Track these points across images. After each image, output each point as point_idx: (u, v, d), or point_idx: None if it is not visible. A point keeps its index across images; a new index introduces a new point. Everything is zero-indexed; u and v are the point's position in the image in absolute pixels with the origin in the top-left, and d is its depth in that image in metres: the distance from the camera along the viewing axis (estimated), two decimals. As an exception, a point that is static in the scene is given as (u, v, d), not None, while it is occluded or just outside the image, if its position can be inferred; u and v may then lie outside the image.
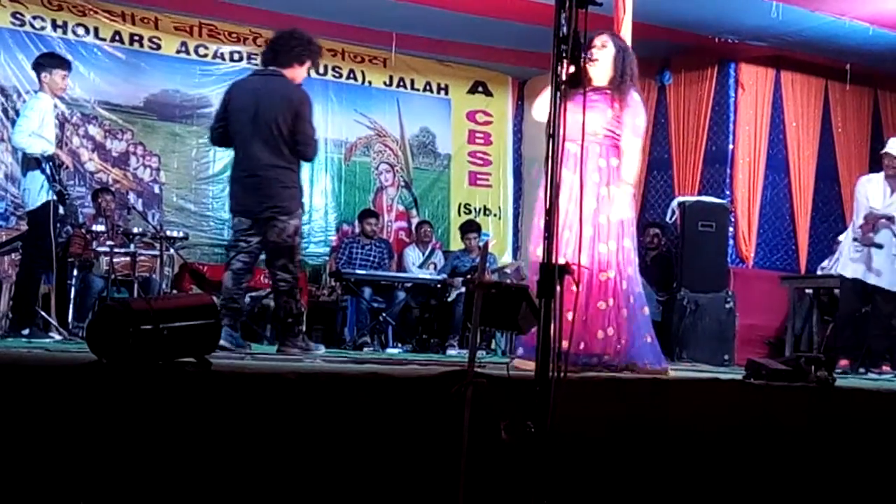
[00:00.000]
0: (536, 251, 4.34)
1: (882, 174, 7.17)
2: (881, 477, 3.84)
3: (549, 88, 4.72)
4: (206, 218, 9.50)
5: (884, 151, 7.23)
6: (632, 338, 4.50)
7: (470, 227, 9.38)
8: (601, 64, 4.63)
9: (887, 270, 6.97)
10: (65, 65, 6.55)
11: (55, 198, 6.24)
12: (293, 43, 5.43)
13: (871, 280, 7.00)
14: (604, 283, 4.46)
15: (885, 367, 6.93)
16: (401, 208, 10.53)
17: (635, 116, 4.63)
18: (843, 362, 6.75)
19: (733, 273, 8.63)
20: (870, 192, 7.15)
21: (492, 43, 9.53)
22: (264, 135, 5.27)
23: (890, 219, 6.97)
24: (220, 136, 5.55)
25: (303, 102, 5.32)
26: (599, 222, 4.47)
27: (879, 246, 6.96)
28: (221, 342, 5.43)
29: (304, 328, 5.55)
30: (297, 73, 5.43)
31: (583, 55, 2.74)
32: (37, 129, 6.27)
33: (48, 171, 6.18)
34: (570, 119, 4.64)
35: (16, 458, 2.57)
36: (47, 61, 6.59)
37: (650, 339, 4.60)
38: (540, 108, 4.80)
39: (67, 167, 6.73)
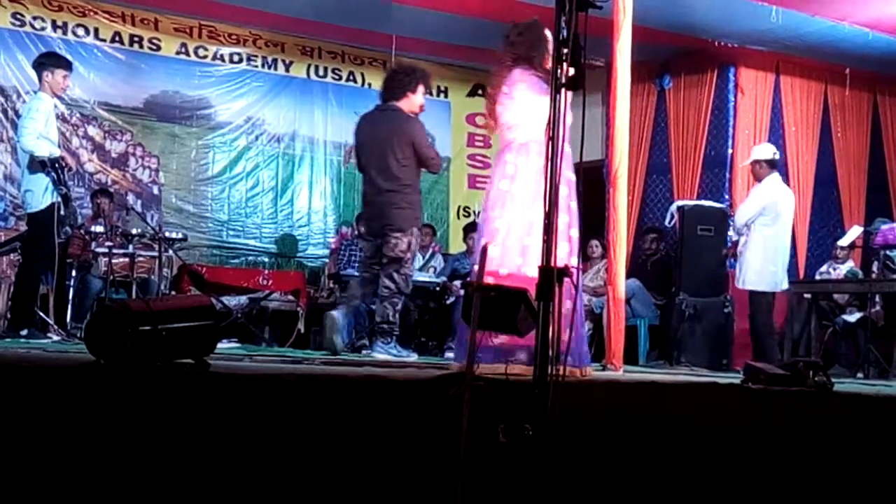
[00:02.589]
0: (484, 243, 4.44)
1: None
2: (879, 482, 3.83)
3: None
4: (204, 219, 9.50)
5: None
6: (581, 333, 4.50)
7: (474, 228, 9.35)
8: None
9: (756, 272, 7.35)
10: (66, 64, 6.55)
11: (60, 200, 6.24)
12: (398, 76, 6.07)
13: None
14: None
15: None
16: (400, 211, 10.51)
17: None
18: None
19: (732, 277, 8.61)
20: None
21: (491, 46, 9.49)
22: (379, 163, 5.88)
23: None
24: (357, 165, 6.24)
25: (413, 130, 5.91)
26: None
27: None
28: (380, 355, 5.66)
29: (397, 334, 5.91)
30: (413, 101, 5.99)
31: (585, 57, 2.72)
32: (43, 131, 6.26)
33: (54, 174, 6.17)
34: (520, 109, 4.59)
35: (13, 459, 2.56)
36: (49, 61, 6.58)
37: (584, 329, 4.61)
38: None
39: (72, 169, 6.73)
